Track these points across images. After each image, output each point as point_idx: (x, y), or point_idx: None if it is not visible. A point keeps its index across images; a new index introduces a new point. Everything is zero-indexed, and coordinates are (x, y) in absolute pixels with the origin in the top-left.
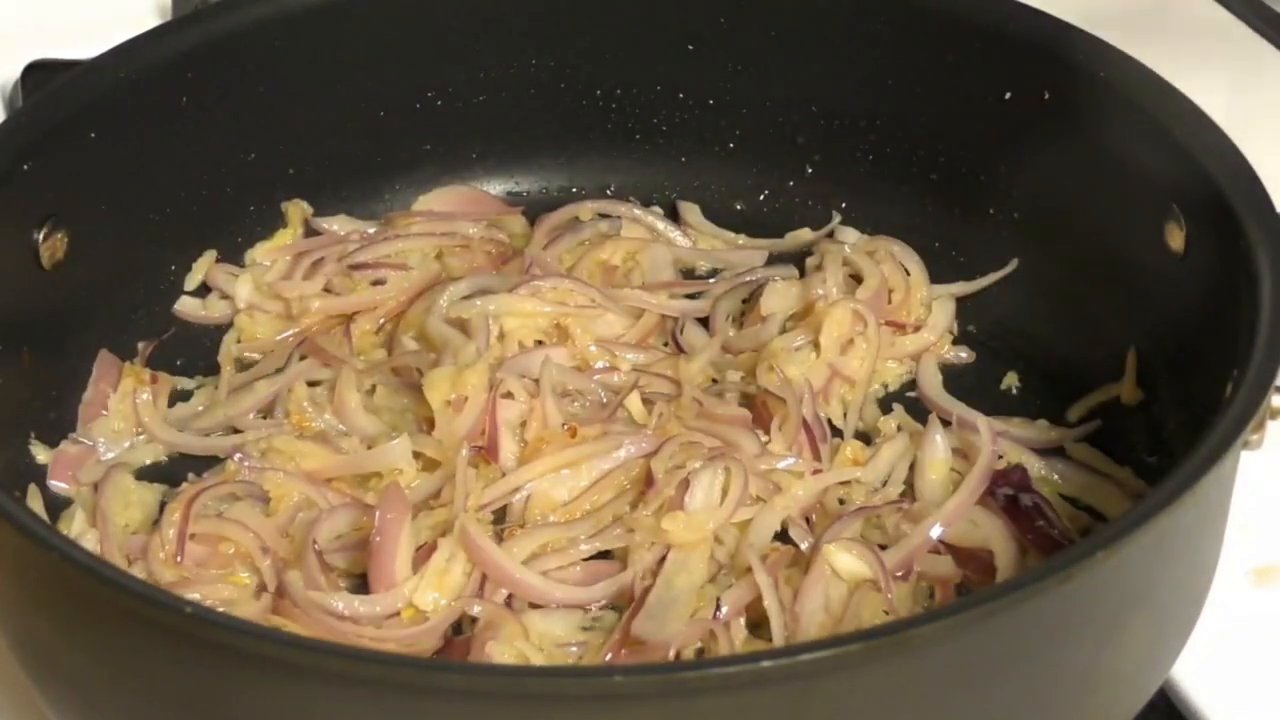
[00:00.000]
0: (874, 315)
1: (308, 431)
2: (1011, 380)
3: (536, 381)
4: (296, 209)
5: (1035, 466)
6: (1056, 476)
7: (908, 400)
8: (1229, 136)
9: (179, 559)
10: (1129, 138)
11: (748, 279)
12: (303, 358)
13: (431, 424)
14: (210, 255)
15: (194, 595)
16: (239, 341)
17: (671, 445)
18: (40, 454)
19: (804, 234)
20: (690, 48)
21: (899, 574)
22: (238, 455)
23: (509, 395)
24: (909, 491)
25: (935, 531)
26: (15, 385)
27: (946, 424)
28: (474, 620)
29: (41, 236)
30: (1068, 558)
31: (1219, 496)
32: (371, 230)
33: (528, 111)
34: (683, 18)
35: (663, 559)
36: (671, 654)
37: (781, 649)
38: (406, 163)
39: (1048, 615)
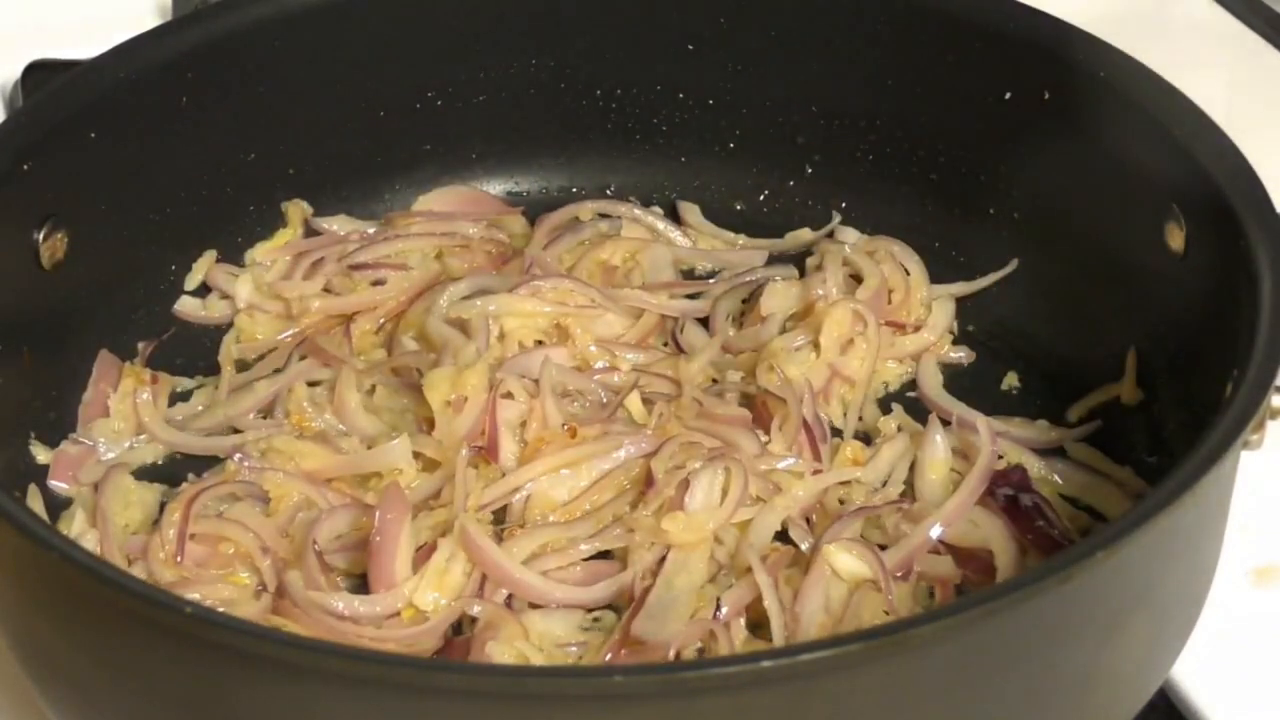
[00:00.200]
0: (874, 315)
1: (308, 431)
2: (1011, 380)
3: (536, 381)
4: (296, 209)
5: (1035, 466)
6: (1056, 476)
7: (908, 400)
8: (1229, 136)
9: (179, 559)
10: (1129, 138)
11: (748, 279)
12: (303, 358)
13: (431, 424)
14: (210, 255)
15: (194, 595)
16: (239, 341)
17: (671, 445)
18: (40, 454)
19: (804, 234)
20: (690, 48)
21: (899, 574)
22: (238, 455)
23: (509, 395)
24: (909, 491)
25: (935, 531)
26: (15, 385)
27: (946, 424)
28: (474, 620)
29: (41, 236)
30: (1068, 558)
31: (1219, 496)
32: (371, 230)
33: (528, 111)
34: (683, 18)
35: (663, 559)
36: (671, 654)
37: (781, 649)
38: (406, 163)
39: (1048, 615)
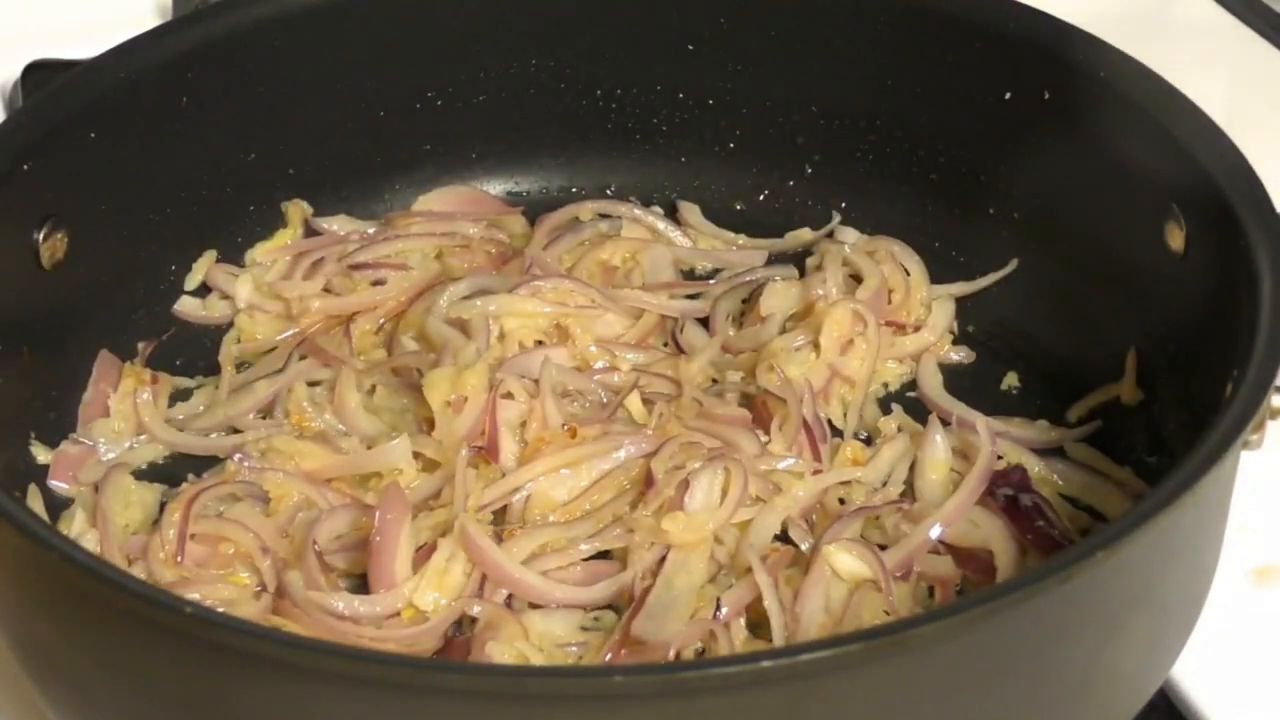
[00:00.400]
0: (874, 315)
1: (308, 431)
2: (1011, 380)
3: (536, 382)
4: (296, 209)
5: (1035, 466)
6: (1056, 476)
7: (908, 400)
8: (1229, 136)
9: (179, 559)
10: (1129, 138)
11: (748, 279)
12: (303, 358)
13: (431, 424)
14: (210, 255)
15: (194, 595)
16: (239, 341)
17: (671, 445)
18: (40, 454)
19: (804, 234)
20: (690, 48)
21: (899, 574)
22: (238, 455)
23: (509, 395)
24: (909, 492)
25: (935, 531)
26: (15, 385)
27: (946, 424)
28: (474, 620)
29: (41, 236)
30: (1068, 558)
31: (1219, 496)
32: (371, 230)
33: (528, 111)
34: (683, 18)
35: (663, 559)
36: (671, 654)
37: (781, 649)
38: (406, 163)
39: (1048, 615)
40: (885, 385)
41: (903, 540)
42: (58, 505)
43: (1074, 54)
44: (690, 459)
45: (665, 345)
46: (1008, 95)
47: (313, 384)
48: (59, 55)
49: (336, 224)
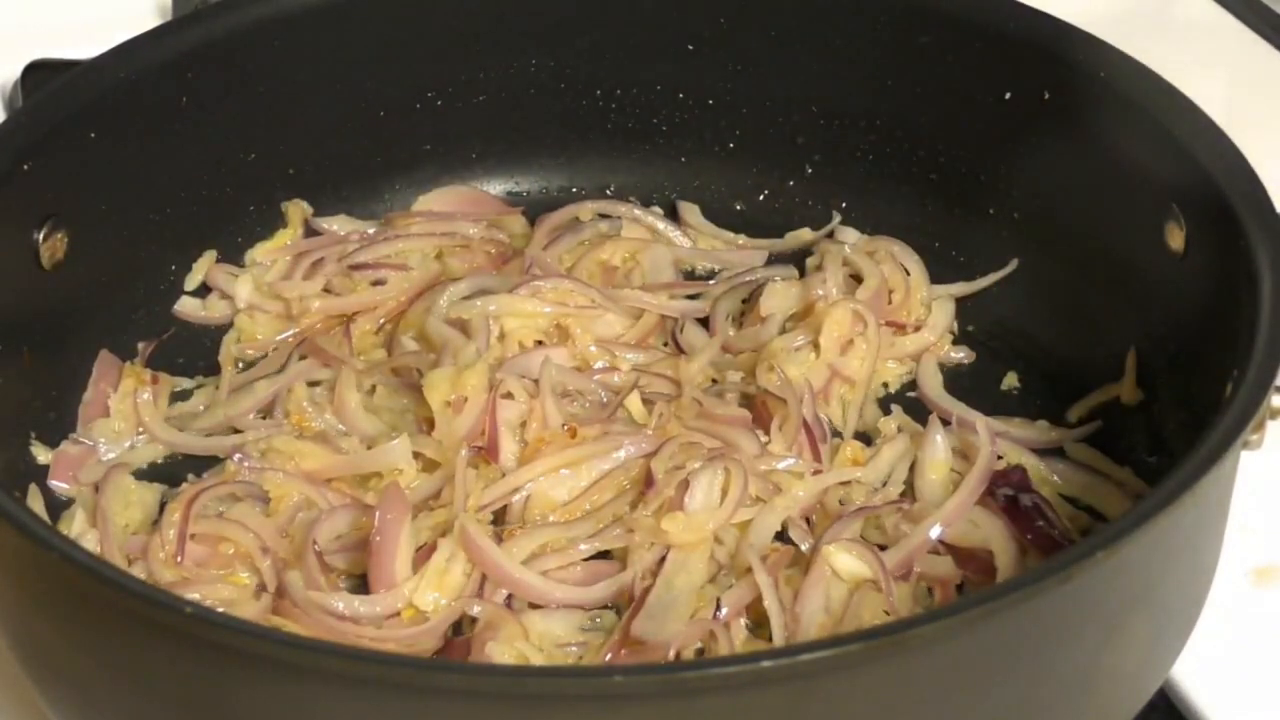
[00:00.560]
0: (874, 315)
1: (308, 431)
2: (1011, 380)
3: (536, 382)
4: (296, 209)
5: (1035, 467)
6: (1056, 477)
7: (908, 400)
8: (1229, 136)
9: (179, 559)
10: (1129, 138)
11: (748, 279)
12: (303, 358)
13: (431, 424)
14: (210, 255)
15: (194, 595)
16: (239, 341)
17: (671, 445)
18: (40, 454)
19: (804, 234)
20: (690, 48)
21: (899, 574)
22: (238, 455)
23: (509, 395)
24: (909, 492)
25: (935, 532)
26: (15, 385)
27: (946, 424)
28: (474, 620)
29: (41, 236)
30: (1068, 558)
31: (1219, 496)
32: (371, 230)
33: (528, 111)
34: (683, 18)
35: (663, 559)
36: (671, 654)
37: (781, 649)
38: (406, 163)
39: (1048, 615)
40: (885, 385)
41: (903, 540)
42: (58, 505)
43: (1074, 54)
44: (690, 459)
45: (665, 345)
46: (1008, 95)
47: (313, 384)
48: (59, 55)
49: (336, 224)
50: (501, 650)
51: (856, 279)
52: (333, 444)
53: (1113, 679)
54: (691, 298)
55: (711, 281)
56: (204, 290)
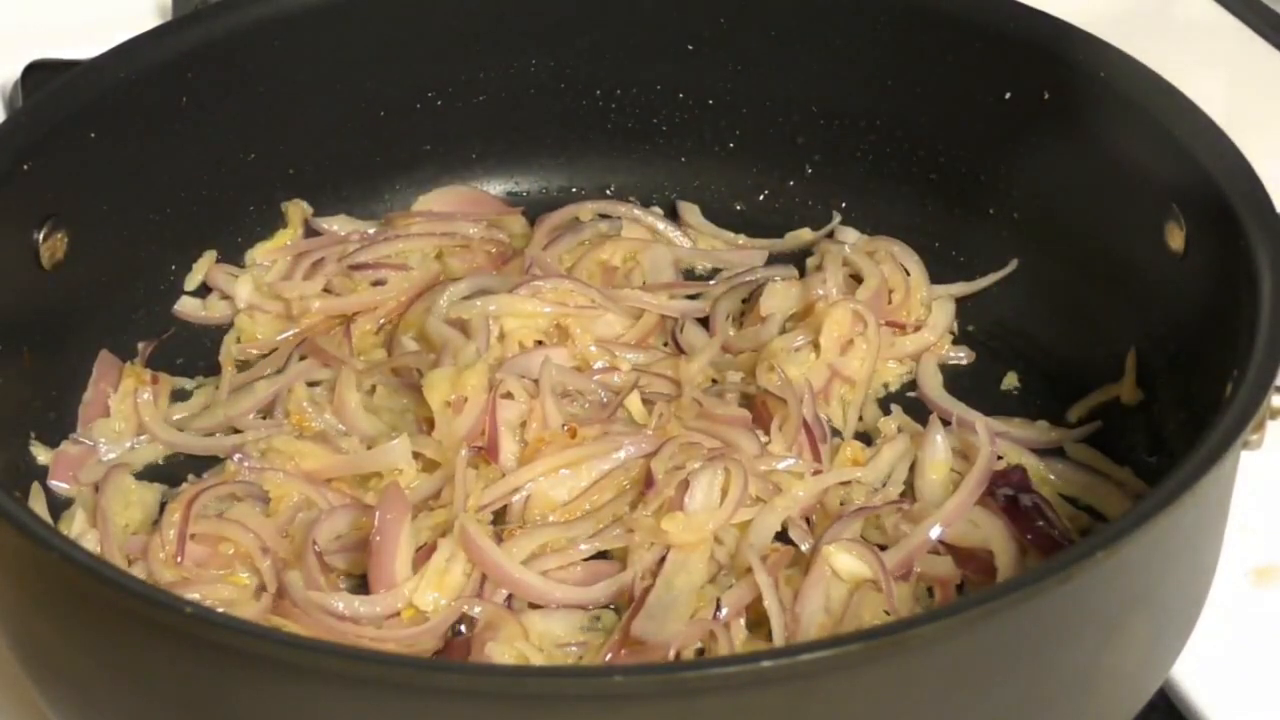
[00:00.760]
0: (874, 315)
1: (308, 431)
2: (1011, 380)
3: (536, 382)
4: (296, 209)
5: (1035, 467)
6: (1056, 477)
7: (908, 400)
8: (1229, 136)
9: (179, 559)
10: (1129, 138)
11: (748, 279)
12: (303, 358)
13: (431, 424)
14: (210, 255)
15: (194, 595)
16: (239, 341)
17: (671, 446)
18: (40, 454)
19: (804, 234)
20: (690, 48)
21: (899, 574)
22: (238, 455)
23: (509, 396)
24: (909, 492)
25: (935, 532)
26: (15, 385)
27: (946, 424)
28: (474, 620)
29: (41, 236)
30: (1068, 558)
31: (1219, 496)
32: (371, 230)
33: (528, 111)
34: (683, 18)
35: (663, 559)
36: (671, 654)
37: (781, 649)
38: (406, 163)
39: (1048, 615)
40: (885, 385)
41: (903, 540)
42: (58, 505)
43: (1074, 54)
44: (690, 459)
45: (665, 345)
46: (1008, 95)
47: (313, 384)
48: (59, 55)
49: (336, 224)
50: (501, 650)
51: (856, 279)
52: (333, 444)
53: (1113, 679)
54: (691, 298)
55: (711, 281)
56: (204, 290)
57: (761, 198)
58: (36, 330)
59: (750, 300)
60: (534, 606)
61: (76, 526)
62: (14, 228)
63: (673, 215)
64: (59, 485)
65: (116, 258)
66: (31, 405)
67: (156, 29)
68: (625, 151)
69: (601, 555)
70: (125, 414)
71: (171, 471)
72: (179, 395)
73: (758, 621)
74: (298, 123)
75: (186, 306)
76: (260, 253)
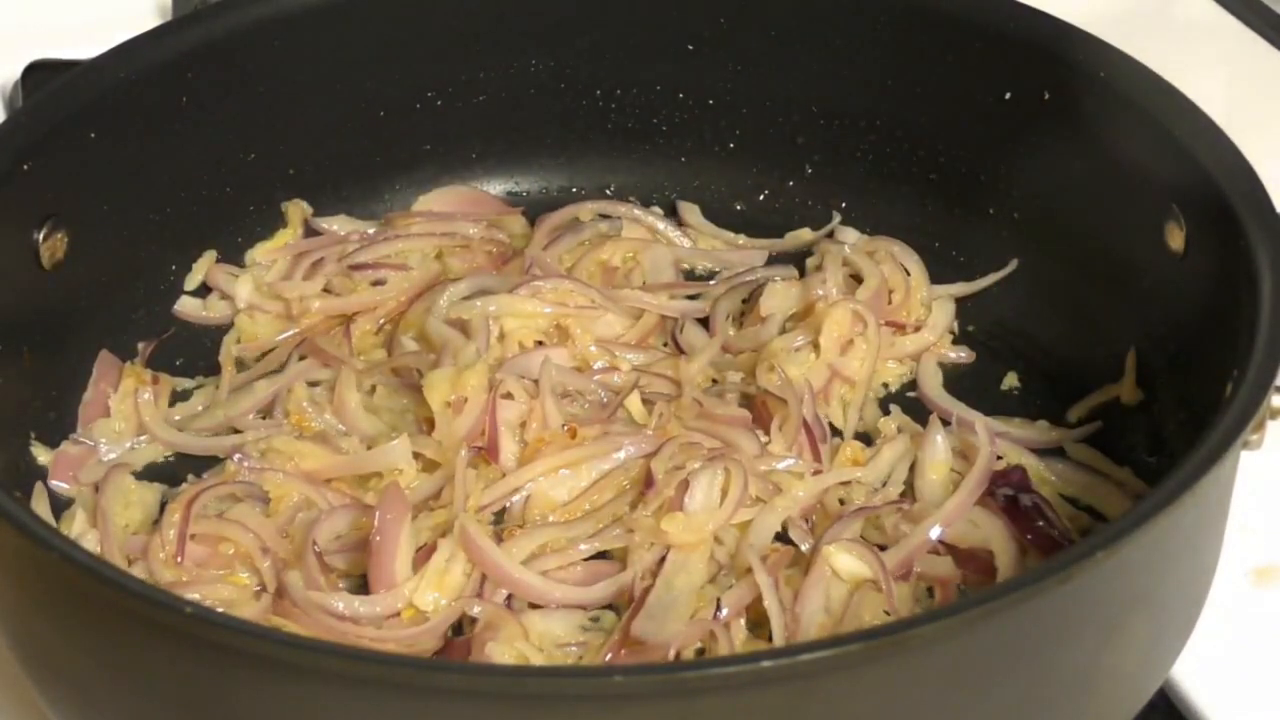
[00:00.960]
0: (874, 315)
1: (308, 431)
2: (1011, 380)
3: (536, 382)
4: (296, 209)
5: (1035, 467)
6: (1056, 477)
7: (908, 400)
8: (1229, 136)
9: (179, 559)
10: (1129, 138)
11: (748, 279)
12: (303, 358)
13: (431, 424)
14: (210, 255)
15: (194, 595)
16: (239, 342)
17: (671, 446)
18: (41, 454)
19: (804, 234)
20: (690, 48)
21: (899, 574)
22: (237, 455)
23: (509, 396)
24: (909, 492)
25: (935, 532)
26: (15, 385)
27: (946, 424)
28: (474, 620)
29: (41, 236)
30: (1068, 558)
31: (1219, 496)
32: (371, 230)
33: (528, 111)
34: (683, 18)
35: (663, 559)
36: (671, 654)
37: (781, 649)
38: (406, 163)
39: (1048, 615)
40: (885, 385)
41: (903, 540)
42: (58, 505)
43: (1074, 54)
44: (690, 459)
45: (665, 345)
46: (1008, 95)
47: (313, 384)
48: (59, 55)
49: (336, 224)
50: (501, 650)
51: (856, 279)
52: (333, 444)
53: (1113, 679)
54: (691, 298)
55: (711, 281)
56: (204, 290)
57: (761, 198)
58: (36, 330)
59: (750, 300)
60: (534, 606)
61: (77, 526)
62: (14, 228)
63: (673, 215)
64: (59, 485)
65: (116, 258)
66: (31, 405)
67: (156, 29)
68: (625, 151)
69: (601, 555)
70: (125, 414)
71: (171, 471)
72: (179, 395)
73: (758, 621)
74: (298, 123)
75: (186, 306)
76: (260, 253)
